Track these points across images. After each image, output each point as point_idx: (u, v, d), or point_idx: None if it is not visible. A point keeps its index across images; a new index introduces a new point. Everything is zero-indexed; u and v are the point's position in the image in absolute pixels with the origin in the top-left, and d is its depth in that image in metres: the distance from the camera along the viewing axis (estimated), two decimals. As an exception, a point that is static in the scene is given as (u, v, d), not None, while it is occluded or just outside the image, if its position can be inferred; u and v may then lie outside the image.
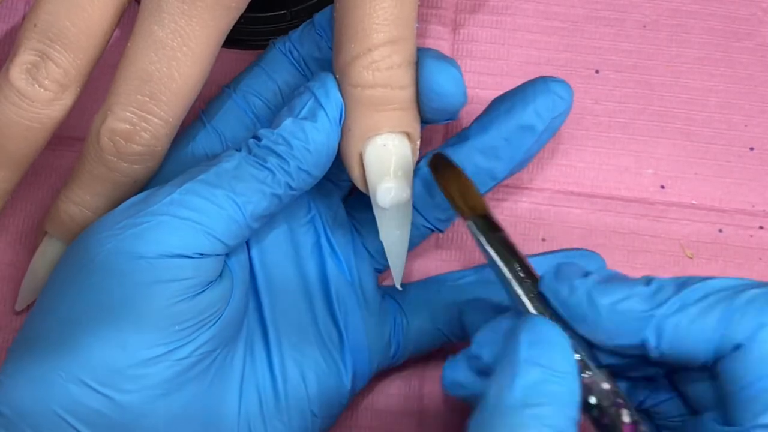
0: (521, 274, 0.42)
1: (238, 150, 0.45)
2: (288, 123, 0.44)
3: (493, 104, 0.49)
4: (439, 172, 0.46)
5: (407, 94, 0.45)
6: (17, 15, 0.55)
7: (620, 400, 0.40)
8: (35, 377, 0.42)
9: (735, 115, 0.54)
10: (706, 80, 0.54)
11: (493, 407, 0.38)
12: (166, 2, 0.44)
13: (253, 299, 0.47)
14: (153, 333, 0.42)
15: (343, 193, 0.50)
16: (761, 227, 0.53)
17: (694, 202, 0.53)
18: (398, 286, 0.48)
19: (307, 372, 0.46)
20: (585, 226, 0.53)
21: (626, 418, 0.40)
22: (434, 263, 0.52)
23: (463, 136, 0.49)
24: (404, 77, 0.45)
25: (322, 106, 0.44)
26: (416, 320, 0.49)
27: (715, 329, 0.38)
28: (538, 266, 0.49)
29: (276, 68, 0.49)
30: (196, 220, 0.43)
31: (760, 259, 0.52)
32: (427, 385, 0.51)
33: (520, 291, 0.42)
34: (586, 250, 0.51)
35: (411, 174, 0.46)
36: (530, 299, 0.42)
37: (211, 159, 0.45)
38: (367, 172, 0.45)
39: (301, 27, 0.49)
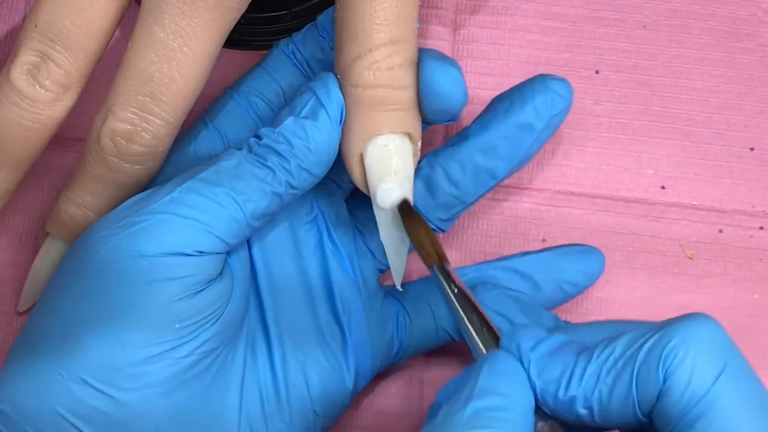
0: (480, 325, 0.42)
1: (239, 149, 0.45)
2: (289, 122, 0.44)
3: (493, 103, 0.49)
4: (408, 217, 0.45)
5: (408, 94, 0.45)
6: (17, 15, 0.55)
7: None
8: (36, 376, 0.42)
9: (735, 115, 0.54)
10: (706, 81, 0.54)
11: (441, 424, 0.38)
12: (167, 3, 0.44)
13: (255, 298, 0.47)
14: (153, 331, 0.42)
15: (345, 193, 0.50)
16: (761, 228, 0.53)
17: (694, 202, 0.53)
18: (398, 287, 0.48)
19: (309, 371, 0.46)
20: (585, 227, 0.53)
21: None
22: (434, 263, 0.52)
23: (463, 135, 0.49)
24: (405, 77, 0.45)
25: (323, 106, 0.44)
26: (418, 318, 0.49)
27: (629, 394, 0.39)
28: (538, 263, 0.50)
29: (279, 69, 0.49)
30: (196, 218, 0.43)
31: (760, 259, 0.52)
32: (427, 386, 0.51)
33: (477, 340, 0.42)
34: (586, 245, 0.51)
35: (412, 175, 0.46)
36: (486, 347, 0.42)
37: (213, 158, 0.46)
38: (367, 173, 0.45)
39: (304, 29, 0.49)
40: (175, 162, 0.48)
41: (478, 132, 0.49)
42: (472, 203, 0.50)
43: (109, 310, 0.42)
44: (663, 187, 0.53)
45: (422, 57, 0.45)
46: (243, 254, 0.46)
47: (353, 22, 0.44)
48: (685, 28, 0.55)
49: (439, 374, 0.51)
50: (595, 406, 0.39)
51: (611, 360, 0.39)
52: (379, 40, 0.44)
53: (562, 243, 0.52)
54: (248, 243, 0.47)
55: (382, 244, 0.47)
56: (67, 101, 0.45)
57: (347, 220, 0.49)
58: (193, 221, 0.43)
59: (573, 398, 0.40)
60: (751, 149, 0.53)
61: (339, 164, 0.46)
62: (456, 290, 0.43)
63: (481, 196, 0.50)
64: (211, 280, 0.43)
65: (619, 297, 0.52)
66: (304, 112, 0.44)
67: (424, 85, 0.45)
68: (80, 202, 0.47)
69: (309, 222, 0.48)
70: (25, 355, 0.43)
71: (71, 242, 0.47)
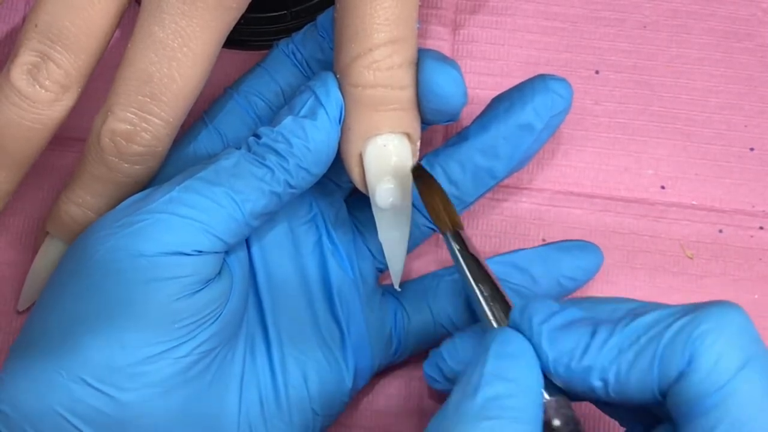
0: (491, 292, 0.43)
1: (238, 148, 0.45)
2: (288, 121, 0.44)
3: (493, 103, 0.49)
4: (423, 182, 0.45)
5: (408, 94, 0.45)
6: (17, 15, 0.55)
7: (580, 428, 0.40)
8: (36, 376, 0.42)
9: (735, 115, 0.54)
10: (706, 81, 0.54)
11: (452, 413, 0.39)
12: (167, 3, 0.44)
13: (254, 298, 0.47)
14: (152, 331, 0.42)
15: (344, 192, 0.50)
16: (761, 227, 0.53)
17: (694, 202, 0.53)
18: (397, 287, 0.48)
19: (308, 370, 0.46)
20: (585, 227, 0.53)
21: None
22: (434, 263, 0.52)
23: (463, 135, 0.49)
24: (405, 77, 0.45)
25: (323, 105, 0.44)
26: (416, 316, 0.49)
27: (650, 370, 0.39)
28: (536, 257, 0.50)
29: (278, 69, 0.49)
30: (194, 217, 0.43)
31: (760, 259, 0.52)
32: (427, 385, 0.51)
33: (487, 308, 0.42)
34: (584, 241, 0.51)
35: (411, 175, 0.46)
36: (495, 316, 0.42)
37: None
38: (366, 173, 0.45)
39: (304, 29, 0.49)
40: (175, 162, 0.48)
41: (478, 132, 0.49)
42: (471, 203, 0.50)
43: (108, 310, 0.42)
44: (663, 187, 0.53)
45: (422, 57, 0.45)
46: (242, 254, 0.46)
47: (353, 21, 0.44)
48: (685, 28, 0.55)
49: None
50: (611, 379, 0.39)
51: (635, 335, 0.39)
52: (379, 39, 0.44)
53: (561, 243, 0.52)
54: (247, 242, 0.47)
55: (380, 243, 0.47)
56: (67, 101, 0.45)
57: (346, 219, 0.50)
58: (191, 221, 0.43)
59: (589, 368, 0.39)
60: (751, 149, 0.53)
61: (338, 164, 0.46)
62: (468, 258, 0.43)
63: (481, 196, 0.50)
64: (210, 280, 0.43)
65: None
66: (303, 112, 0.44)
67: (423, 86, 0.45)
68: (80, 202, 0.47)
69: (308, 221, 0.48)
70: (25, 355, 0.43)
71: (71, 242, 0.47)
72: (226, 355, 0.45)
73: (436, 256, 0.52)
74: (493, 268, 0.50)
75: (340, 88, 0.45)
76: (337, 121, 0.44)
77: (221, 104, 0.49)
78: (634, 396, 0.39)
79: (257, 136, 0.45)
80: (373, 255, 0.50)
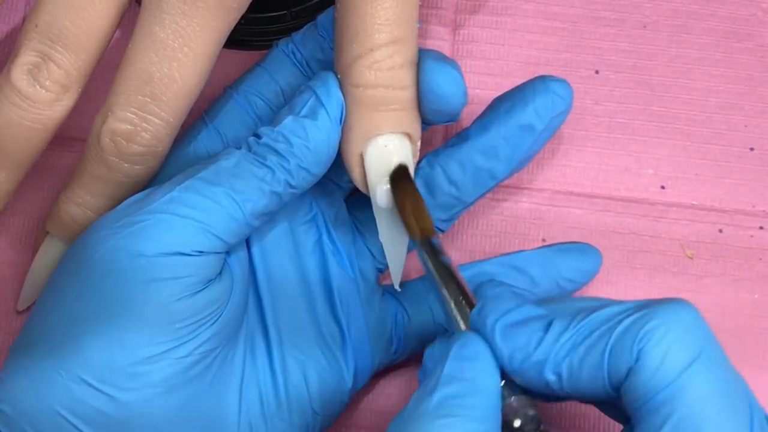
0: (459, 297, 0.43)
1: (238, 148, 0.45)
2: (288, 121, 0.44)
3: (493, 104, 0.49)
4: (398, 186, 0.45)
5: (408, 94, 0.45)
6: (18, 15, 0.55)
7: (543, 427, 0.41)
8: (36, 376, 0.42)
9: (735, 115, 0.54)
10: (706, 81, 0.54)
11: (409, 413, 0.39)
12: (167, 3, 0.44)
13: (254, 298, 0.47)
14: (152, 331, 0.42)
15: (344, 192, 0.50)
16: (761, 227, 0.53)
17: (694, 202, 0.53)
18: (396, 287, 0.48)
19: (308, 370, 0.46)
20: (585, 227, 0.53)
21: None
22: (434, 263, 0.52)
23: (463, 136, 0.49)
24: (405, 78, 0.45)
25: (323, 105, 0.44)
26: (417, 317, 0.49)
27: (600, 366, 0.39)
28: (535, 259, 0.50)
29: (278, 69, 0.49)
30: (195, 217, 0.43)
31: (760, 259, 0.52)
32: (427, 385, 0.51)
33: (455, 312, 0.43)
34: (584, 243, 0.51)
35: (410, 175, 0.46)
36: (464, 320, 0.42)
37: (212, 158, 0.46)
38: (367, 173, 0.45)
39: (304, 28, 0.49)
40: (175, 162, 0.48)
41: (479, 132, 0.49)
42: (471, 203, 0.50)
43: (108, 310, 0.42)
44: (663, 187, 0.53)
45: (422, 58, 0.46)
46: (242, 254, 0.46)
47: (354, 21, 0.44)
48: (685, 28, 0.55)
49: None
50: (565, 373, 0.39)
51: (588, 330, 0.39)
52: (380, 39, 0.44)
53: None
54: (247, 242, 0.47)
55: (380, 243, 0.47)
56: (67, 101, 0.45)
57: (346, 219, 0.50)
58: (192, 221, 0.43)
59: (542, 362, 0.40)
60: (751, 149, 0.54)
61: (338, 164, 0.46)
62: (438, 264, 0.43)
63: (481, 196, 0.50)
64: (211, 280, 0.43)
65: (618, 297, 0.51)
66: (303, 112, 0.44)
67: (423, 86, 0.45)
68: (80, 202, 0.47)
69: (308, 221, 0.48)
70: (25, 355, 0.43)
71: (71, 242, 0.47)
72: (226, 355, 0.45)
73: (436, 256, 0.52)
74: (493, 269, 0.50)
75: (341, 88, 0.45)
76: (338, 121, 0.44)
77: (221, 104, 0.49)
78: (588, 391, 0.40)
79: (257, 135, 0.45)
80: (373, 255, 0.50)
